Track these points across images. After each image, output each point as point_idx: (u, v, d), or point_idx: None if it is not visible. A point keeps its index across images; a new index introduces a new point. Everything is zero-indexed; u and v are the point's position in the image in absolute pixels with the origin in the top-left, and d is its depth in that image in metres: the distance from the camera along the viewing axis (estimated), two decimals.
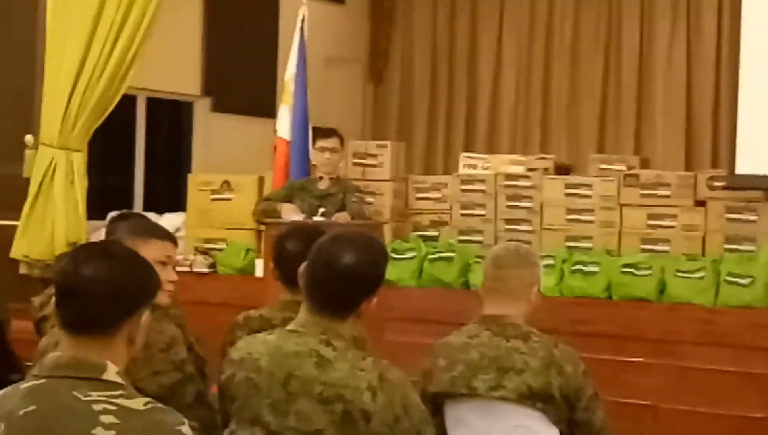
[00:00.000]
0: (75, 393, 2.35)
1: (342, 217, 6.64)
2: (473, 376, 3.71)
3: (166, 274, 3.62)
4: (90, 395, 2.35)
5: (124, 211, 5.09)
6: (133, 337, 2.47)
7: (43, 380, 2.40)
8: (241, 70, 9.85)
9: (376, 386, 2.92)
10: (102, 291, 2.40)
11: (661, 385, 6.89)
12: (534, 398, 3.64)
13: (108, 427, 2.31)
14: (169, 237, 3.79)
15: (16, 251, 8.12)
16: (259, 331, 3.64)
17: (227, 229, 8.38)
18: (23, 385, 2.43)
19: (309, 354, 2.96)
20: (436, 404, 3.82)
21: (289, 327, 3.06)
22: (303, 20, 8.14)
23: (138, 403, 2.38)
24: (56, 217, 8.00)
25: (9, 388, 2.46)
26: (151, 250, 3.50)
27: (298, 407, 2.93)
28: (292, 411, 2.94)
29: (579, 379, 3.70)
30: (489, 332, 3.75)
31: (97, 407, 2.33)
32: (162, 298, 3.55)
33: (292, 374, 2.95)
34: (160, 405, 2.40)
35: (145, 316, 2.49)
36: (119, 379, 2.40)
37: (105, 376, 2.38)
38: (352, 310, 3.04)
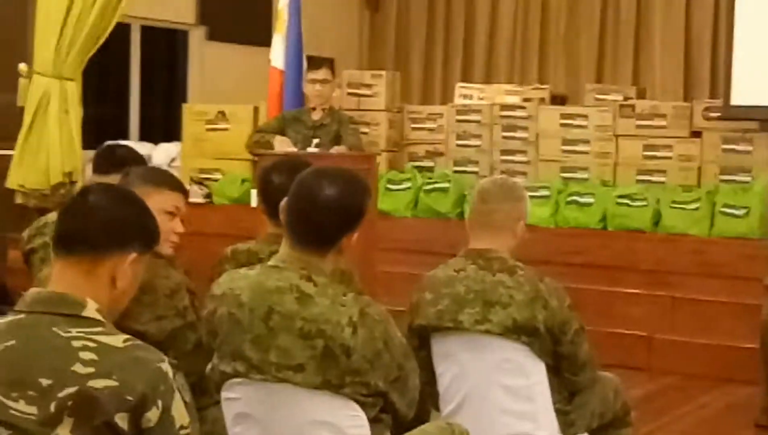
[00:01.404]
0: (55, 329, 2.35)
1: (338, 150, 6.61)
2: (459, 310, 3.71)
3: (173, 225, 3.61)
4: (69, 331, 2.35)
5: (110, 142, 5.05)
6: (115, 276, 2.46)
7: (23, 315, 2.41)
8: None
9: (357, 321, 2.92)
10: (99, 214, 2.45)
11: (655, 315, 6.93)
12: (519, 332, 3.64)
13: (87, 363, 2.31)
14: (181, 188, 3.76)
15: (12, 181, 8.09)
16: (246, 265, 3.63)
17: (223, 159, 8.37)
18: (3, 320, 2.43)
19: (290, 289, 2.95)
20: (422, 337, 3.82)
21: (270, 262, 3.05)
22: None
23: (117, 340, 2.38)
24: (51, 147, 7.96)
25: None
26: (161, 200, 3.51)
27: (278, 342, 2.94)
28: (273, 346, 2.94)
29: (564, 313, 3.69)
30: (475, 266, 3.74)
31: (76, 343, 2.33)
32: (166, 249, 3.56)
33: (273, 309, 2.95)
34: (139, 342, 2.40)
35: (133, 263, 2.48)
36: (99, 316, 2.40)
37: (85, 313, 2.38)
38: (333, 244, 3.03)
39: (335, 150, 6.61)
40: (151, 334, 3.32)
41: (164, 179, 3.75)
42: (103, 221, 2.46)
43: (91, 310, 2.39)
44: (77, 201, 2.52)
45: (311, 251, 3.00)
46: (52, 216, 3.97)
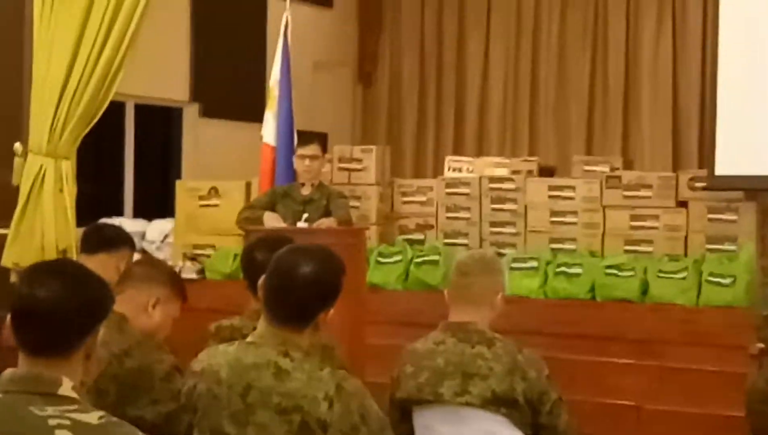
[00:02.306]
0: (31, 408, 2.40)
1: (326, 222, 6.69)
2: (439, 383, 3.77)
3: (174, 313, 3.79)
4: (45, 410, 2.39)
5: (98, 223, 5.13)
6: (89, 352, 2.52)
7: (0, 395, 2.46)
8: (229, 75, 9.90)
9: (333, 396, 2.97)
10: (57, 314, 2.43)
11: (644, 385, 6.95)
12: (498, 403, 3.69)
13: None
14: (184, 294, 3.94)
15: (6, 259, 8.16)
16: (230, 341, 3.70)
17: (215, 234, 8.43)
18: None
19: (267, 365, 3.01)
20: (404, 410, 3.88)
21: (249, 338, 3.12)
22: (287, 26, 8.20)
23: (92, 417, 2.43)
24: (46, 225, 8.04)
25: None
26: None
27: (257, 418, 2.99)
28: (251, 422, 3.00)
29: (542, 384, 3.75)
30: (454, 339, 3.81)
31: (52, 422, 2.38)
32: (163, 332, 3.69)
33: (250, 385, 3.01)
34: (114, 419, 2.45)
35: (101, 332, 2.54)
36: (74, 394, 2.45)
37: (60, 392, 2.43)
38: (310, 321, 3.10)
39: (323, 222, 6.69)
40: (148, 419, 3.37)
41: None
42: (64, 321, 2.44)
43: (66, 388, 2.44)
44: (25, 299, 2.46)
45: (288, 327, 3.07)
46: None
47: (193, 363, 3.19)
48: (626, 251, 7.77)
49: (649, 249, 7.76)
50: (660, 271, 7.22)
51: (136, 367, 3.45)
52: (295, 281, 3.06)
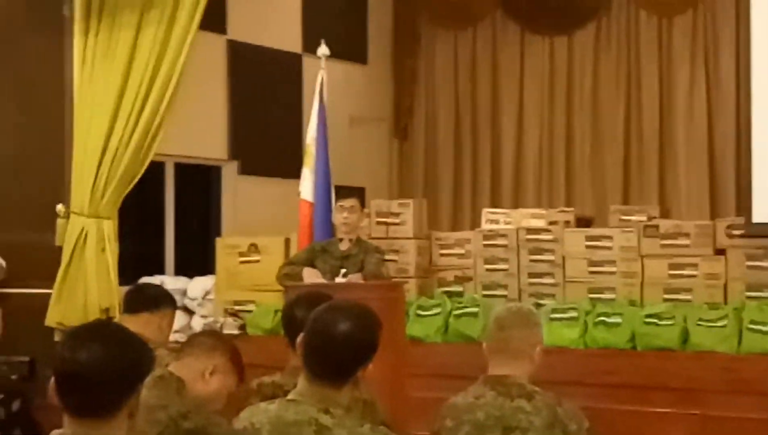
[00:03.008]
0: None
1: (354, 278, 6.74)
2: None
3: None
4: None
5: (139, 283, 5.20)
6: (133, 411, 2.57)
7: None
8: (266, 132, 10.03)
9: None
10: (99, 377, 2.49)
11: (686, 434, 6.91)
12: None
13: None
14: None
15: (51, 319, 8.27)
16: (272, 398, 3.74)
17: (256, 290, 8.49)
18: None
19: (308, 422, 3.06)
20: None
21: (289, 396, 3.16)
22: (322, 83, 8.30)
23: None
24: (89, 284, 8.15)
25: None
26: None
27: None
28: None
29: None
30: (494, 392, 3.83)
31: None
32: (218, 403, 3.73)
33: None
34: None
35: (143, 391, 2.59)
36: None
37: None
38: (348, 377, 3.14)
39: (349, 278, 6.72)
40: None
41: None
42: (107, 384, 2.50)
43: None
44: (68, 364, 2.51)
45: (328, 384, 3.11)
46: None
47: (235, 421, 3.23)
48: (665, 300, 7.74)
49: (689, 297, 7.74)
50: (700, 319, 7.19)
51: (193, 428, 3.48)
52: (333, 339, 3.11)
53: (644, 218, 8.45)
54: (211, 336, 4.30)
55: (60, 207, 8.34)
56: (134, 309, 4.42)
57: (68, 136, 8.43)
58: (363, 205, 7.68)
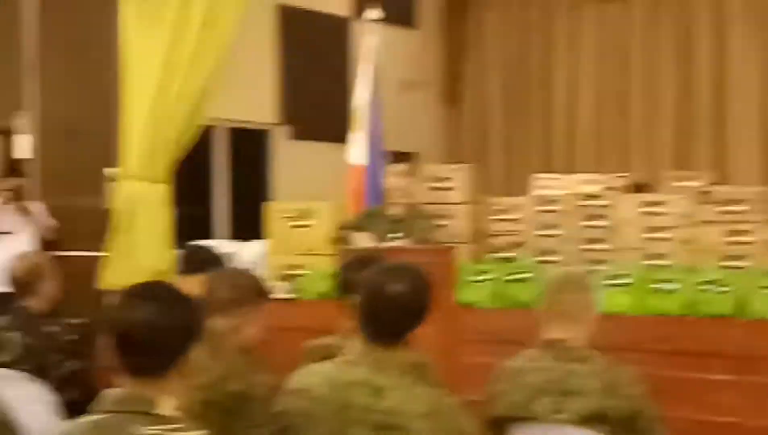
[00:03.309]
0: (133, 427, 2.45)
1: (404, 243, 6.72)
2: (535, 400, 3.76)
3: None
4: (148, 429, 2.45)
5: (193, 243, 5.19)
6: (186, 371, 2.56)
7: (105, 415, 2.51)
8: (317, 97, 10.01)
9: (429, 413, 2.98)
10: (153, 336, 2.51)
11: (746, 401, 6.82)
12: (594, 420, 3.67)
13: None
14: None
15: (104, 281, 8.32)
16: (325, 360, 3.72)
17: (307, 255, 8.47)
18: (88, 419, 2.54)
19: (363, 383, 3.04)
20: (499, 428, 3.87)
21: (344, 357, 3.15)
22: (372, 47, 8.24)
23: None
24: (142, 247, 8.16)
25: (72, 423, 2.58)
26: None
27: None
28: None
29: (639, 401, 3.72)
30: (549, 356, 3.80)
31: None
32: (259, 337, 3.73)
33: (347, 403, 3.03)
34: None
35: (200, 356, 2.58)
36: (175, 413, 2.50)
37: (161, 411, 2.49)
38: (402, 338, 3.12)
39: (400, 242, 6.70)
40: None
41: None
42: (159, 344, 2.51)
43: (167, 407, 2.49)
44: (121, 324, 2.54)
45: (383, 346, 3.09)
46: None
47: (289, 382, 3.22)
48: (721, 267, 7.64)
49: (746, 263, 7.63)
50: (757, 285, 7.09)
51: (237, 391, 3.47)
52: (386, 300, 3.09)
53: (699, 184, 8.34)
54: (228, 288, 4.35)
55: (112, 170, 8.37)
56: (189, 270, 4.42)
57: (120, 101, 8.45)
58: (414, 170, 7.63)
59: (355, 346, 3.15)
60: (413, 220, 7.22)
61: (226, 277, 4.22)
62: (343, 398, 3.04)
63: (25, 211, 8.41)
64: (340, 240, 7.19)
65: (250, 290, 4.02)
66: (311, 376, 3.16)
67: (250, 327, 3.90)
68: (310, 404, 3.09)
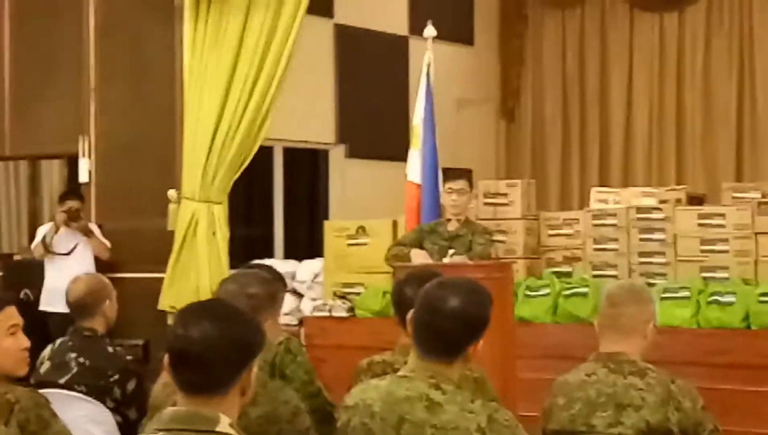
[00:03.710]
0: None
1: (458, 259, 6.70)
2: (591, 414, 3.76)
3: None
4: None
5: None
6: (245, 389, 2.60)
7: (161, 432, 2.55)
8: (374, 115, 10.06)
9: (485, 428, 3.00)
10: (210, 354, 2.51)
11: None
12: (652, 434, 3.67)
13: None
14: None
15: (164, 302, 8.42)
16: (382, 376, 3.75)
17: (364, 272, 8.52)
18: None
19: (419, 398, 3.06)
20: None
21: (400, 372, 3.17)
22: (429, 65, 8.27)
23: None
24: (200, 268, 8.27)
25: None
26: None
27: None
28: None
29: (698, 414, 3.71)
30: (606, 369, 3.79)
31: None
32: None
33: (403, 418, 3.05)
34: None
35: (255, 368, 2.62)
36: (232, 431, 2.53)
37: (219, 428, 2.51)
38: (459, 353, 3.13)
39: (453, 259, 6.67)
40: None
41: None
42: (219, 360, 2.51)
43: (224, 425, 2.52)
44: (181, 341, 2.53)
45: (438, 361, 3.11)
46: None
47: (346, 398, 3.25)
48: None
49: None
50: None
51: (262, 415, 3.46)
52: (443, 314, 3.10)
53: (758, 196, 8.27)
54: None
55: (172, 192, 8.47)
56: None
57: (179, 122, 8.57)
58: (471, 186, 7.65)
59: (411, 361, 3.17)
60: (470, 235, 7.22)
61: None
62: (399, 413, 3.06)
63: (86, 231, 8.52)
64: (395, 257, 7.20)
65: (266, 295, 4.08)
66: (368, 392, 3.18)
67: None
68: (369, 420, 3.11)
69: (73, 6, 9.22)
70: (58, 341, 5.03)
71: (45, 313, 8.22)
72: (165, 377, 3.80)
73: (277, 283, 4.12)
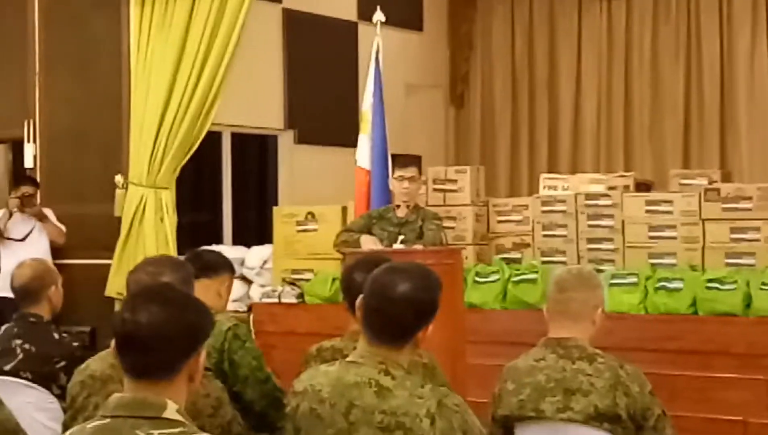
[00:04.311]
0: (137, 432, 2.46)
1: (413, 246, 6.70)
2: (540, 399, 3.77)
3: None
4: (151, 433, 2.45)
5: (198, 248, 5.19)
6: (192, 375, 2.57)
7: (108, 419, 2.52)
8: (322, 101, 10.02)
9: (435, 412, 2.99)
10: (158, 338, 2.50)
11: (750, 399, 6.83)
12: (601, 419, 3.68)
13: None
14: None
15: (111, 289, 8.35)
16: (332, 362, 3.72)
17: (313, 259, 8.50)
18: (90, 424, 2.55)
19: (368, 383, 3.04)
20: (506, 427, 3.89)
21: (349, 358, 3.15)
22: (378, 50, 8.25)
23: None
24: (147, 254, 8.17)
25: (77, 427, 2.59)
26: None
27: None
28: None
29: (646, 399, 3.72)
30: (555, 355, 3.80)
31: None
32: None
33: (352, 404, 3.04)
34: None
35: (203, 354, 2.59)
36: (180, 417, 2.51)
37: (166, 415, 2.48)
38: (409, 338, 3.11)
39: (408, 245, 6.66)
40: None
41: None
42: (166, 345, 2.50)
43: (171, 411, 2.49)
44: (128, 325, 2.52)
45: (388, 346, 3.10)
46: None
47: (296, 383, 3.23)
48: (727, 264, 7.64)
49: (751, 261, 7.62)
50: (763, 283, 7.09)
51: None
52: (392, 300, 3.09)
53: (705, 182, 8.33)
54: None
55: (119, 178, 8.41)
56: (193, 275, 4.41)
57: (126, 107, 8.49)
58: (420, 173, 7.64)
59: (360, 346, 3.15)
60: (420, 222, 7.21)
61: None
62: (348, 398, 3.05)
63: (40, 216, 8.42)
64: (344, 243, 7.18)
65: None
66: (317, 377, 3.16)
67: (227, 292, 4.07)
68: (318, 406, 3.09)
69: None
70: (3, 327, 4.96)
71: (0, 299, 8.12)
72: (82, 374, 3.79)
73: (189, 266, 4.07)
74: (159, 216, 8.31)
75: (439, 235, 7.21)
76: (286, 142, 10.04)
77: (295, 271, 8.57)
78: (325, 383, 3.11)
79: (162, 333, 2.50)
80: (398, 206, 7.26)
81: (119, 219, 8.38)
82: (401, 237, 6.75)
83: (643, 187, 8.87)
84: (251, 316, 8.16)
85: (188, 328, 2.55)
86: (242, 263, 8.67)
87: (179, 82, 8.22)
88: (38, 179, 8.83)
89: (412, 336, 3.12)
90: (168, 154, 8.26)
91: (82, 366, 3.89)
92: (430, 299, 3.14)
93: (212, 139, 9.12)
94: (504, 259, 8.28)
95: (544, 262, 8.17)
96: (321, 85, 10.02)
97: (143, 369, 2.51)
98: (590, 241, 8.21)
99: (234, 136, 9.79)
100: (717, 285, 7.21)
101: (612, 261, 8.05)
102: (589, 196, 8.34)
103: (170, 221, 8.34)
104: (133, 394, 2.52)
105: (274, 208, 9.09)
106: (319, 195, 9.27)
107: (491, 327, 7.50)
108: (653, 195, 8.33)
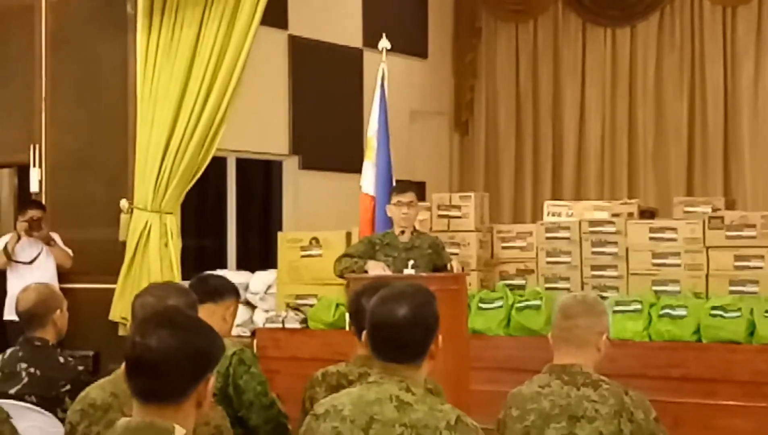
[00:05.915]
0: None
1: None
2: (545, 425, 3.76)
3: None
4: None
5: (204, 273, 5.19)
6: (201, 400, 2.58)
7: None
8: (327, 127, 10.05)
9: (454, 426, 3.01)
10: (167, 363, 2.50)
11: (755, 427, 6.82)
12: None
13: None
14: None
15: (115, 313, 8.36)
16: (336, 387, 3.73)
17: (317, 284, 8.51)
18: None
19: (389, 398, 3.06)
20: None
21: (370, 379, 3.17)
22: (383, 77, 8.27)
23: None
24: (152, 279, 8.19)
25: None
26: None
27: None
28: None
29: (650, 426, 3.72)
30: (559, 381, 3.80)
31: None
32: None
33: (373, 418, 3.05)
34: None
35: (212, 380, 2.60)
36: None
37: None
38: (424, 353, 3.14)
39: (414, 272, 6.64)
40: None
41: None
42: (175, 369, 2.50)
43: None
44: (138, 348, 2.53)
45: (407, 365, 3.12)
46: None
47: (317, 407, 3.24)
48: (731, 292, 7.65)
49: (755, 289, 7.63)
50: (767, 310, 7.10)
51: None
52: (397, 327, 3.11)
53: (709, 210, 8.35)
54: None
55: (124, 202, 8.42)
56: (198, 299, 4.43)
57: (132, 133, 8.52)
58: (421, 198, 7.64)
59: (377, 369, 3.17)
60: (428, 247, 7.20)
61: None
62: (369, 414, 3.06)
63: (47, 240, 8.42)
64: (349, 269, 7.16)
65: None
66: (339, 398, 3.17)
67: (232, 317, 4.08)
68: (340, 423, 3.11)
69: (25, 15, 9.15)
70: (9, 351, 4.96)
71: (7, 323, 8.13)
72: (82, 402, 3.78)
73: (193, 294, 4.08)
74: (164, 241, 8.32)
75: (441, 261, 7.19)
76: (290, 167, 10.07)
77: (299, 297, 8.58)
78: (347, 402, 3.13)
79: (172, 357, 2.50)
80: (402, 232, 7.22)
81: (124, 243, 8.39)
82: (411, 262, 6.73)
83: (647, 214, 8.89)
84: (255, 341, 8.16)
85: (198, 354, 2.55)
86: (246, 288, 8.68)
87: (185, 107, 8.24)
88: (44, 204, 8.84)
89: (426, 352, 3.15)
90: (173, 179, 8.28)
91: (82, 394, 3.87)
92: (431, 313, 3.17)
93: (217, 164, 9.13)
94: (508, 285, 8.30)
95: (547, 289, 8.17)
96: (326, 111, 10.05)
97: (152, 393, 2.51)
98: (594, 267, 8.22)
99: (239, 161, 9.83)
100: (721, 312, 7.22)
101: (616, 288, 8.05)
102: (593, 223, 8.36)
103: (175, 246, 8.35)
104: (141, 418, 2.52)
105: (279, 233, 9.11)
106: (323, 220, 9.29)
107: (495, 353, 7.51)
108: (657, 222, 8.34)
